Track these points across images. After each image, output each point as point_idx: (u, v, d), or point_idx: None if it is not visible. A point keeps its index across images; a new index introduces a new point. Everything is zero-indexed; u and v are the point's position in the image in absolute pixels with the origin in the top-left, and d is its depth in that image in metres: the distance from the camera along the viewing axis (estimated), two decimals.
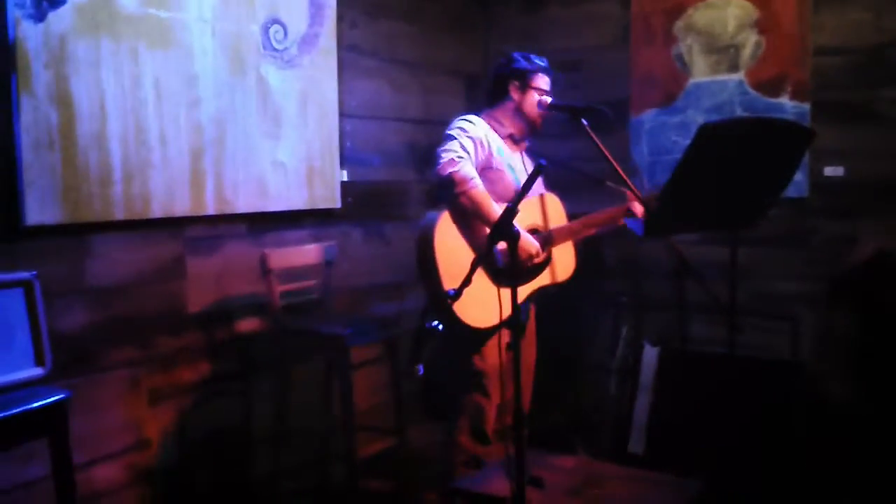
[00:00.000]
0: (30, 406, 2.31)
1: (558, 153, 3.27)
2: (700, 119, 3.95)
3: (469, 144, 2.81)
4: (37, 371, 2.44)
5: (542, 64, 3.04)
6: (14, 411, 2.26)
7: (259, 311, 3.44)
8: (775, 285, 3.87)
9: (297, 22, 3.55)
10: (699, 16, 4.00)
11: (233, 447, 3.44)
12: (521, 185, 2.89)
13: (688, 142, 2.18)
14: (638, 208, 2.92)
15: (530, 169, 3.07)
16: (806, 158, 3.71)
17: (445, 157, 2.73)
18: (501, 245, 2.71)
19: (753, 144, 2.31)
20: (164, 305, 3.14)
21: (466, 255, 2.74)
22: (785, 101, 3.81)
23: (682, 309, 3.64)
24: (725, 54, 3.95)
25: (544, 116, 3.03)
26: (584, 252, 3.23)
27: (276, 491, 3.38)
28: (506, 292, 2.74)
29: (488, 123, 2.99)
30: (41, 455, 2.54)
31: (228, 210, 3.29)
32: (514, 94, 3.00)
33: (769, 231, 3.72)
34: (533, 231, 2.95)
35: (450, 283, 2.64)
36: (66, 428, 2.42)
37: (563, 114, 2.90)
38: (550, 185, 3.24)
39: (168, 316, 3.15)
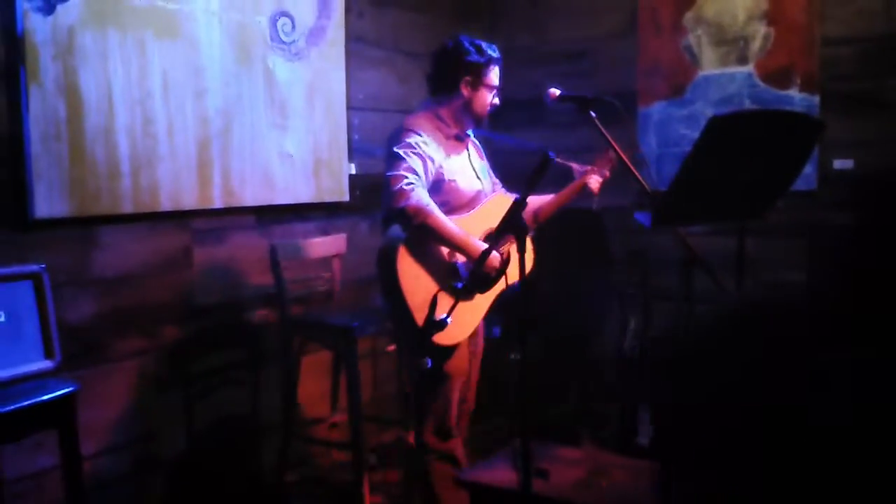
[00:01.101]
0: (39, 398, 2.33)
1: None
2: (709, 111, 3.93)
3: (418, 164, 2.64)
4: (46, 363, 2.45)
5: (495, 54, 2.83)
6: (24, 403, 2.28)
7: (267, 302, 3.45)
8: (784, 276, 3.85)
9: (305, 14, 3.54)
10: (708, 7, 3.97)
11: (240, 437, 3.45)
12: (479, 179, 2.90)
13: (696, 134, 2.17)
14: (594, 183, 2.88)
15: (477, 154, 3.00)
16: (816, 151, 3.69)
17: (395, 186, 2.57)
18: (461, 258, 2.70)
19: (763, 136, 2.30)
20: (172, 297, 3.15)
21: (430, 278, 2.67)
22: (794, 93, 3.79)
23: (690, 301, 3.62)
24: (734, 46, 3.93)
25: (491, 111, 2.88)
26: (591, 244, 3.21)
27: (283, 481, 3.39)
28: (480, 299, 2.77)
29: (433, 124, 2.81)
30: (50, 445, 2.56)
31: (236, 202, 3.30)
32: (465, 91, 2.80)
33: (778, 223, 3.71)
34: (487, 237, 2.81)
35: (416, 307, 2.60)
36: (74, 419, 2.44)
37: (569, 105, 2.85)
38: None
39: (176, 307, 3.16)
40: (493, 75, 2.84)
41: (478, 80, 2.80)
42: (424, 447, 2.84)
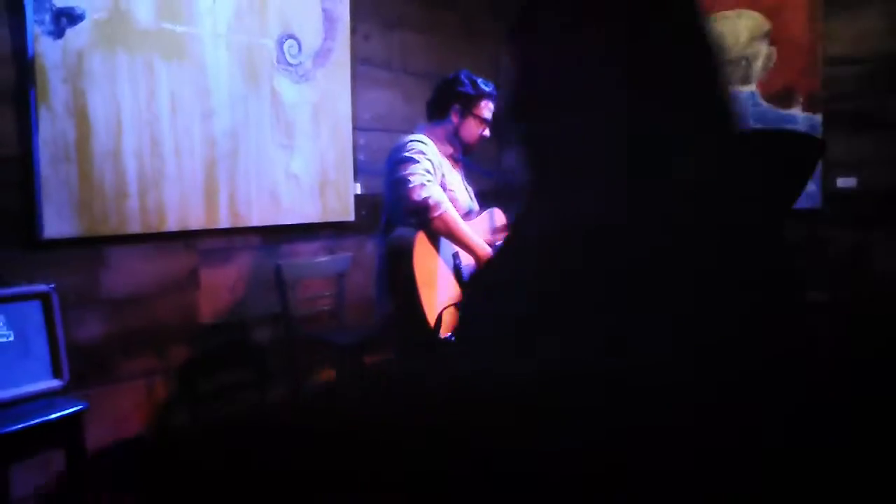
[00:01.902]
0: (47, 417, 2.35)
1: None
2: None
3: (429, 166, 2.75)
4: (54, 382, 2.48)
5: (487, 90, 2.99)
6: (32, 422, 2.30)
7: (273, 321, 3.47)
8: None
9: (311, 37, 3.59)
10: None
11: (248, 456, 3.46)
12: (471, 198, 2.97)
13: None
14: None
15: (467, 187, 3.09)
16: (819, 169, 3.71)
17: (414, 181, 2.64)
18: (468, 260, 2.75)
19: (764, 157, 2.32)
20: (179, 316, 3.17)
21: (442, 274, 2.73)
22: (797, 112, 3.81)
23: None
24: (737, 66, 3.95)
25: (481, 142, 3.02)
26: None
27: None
28: None
29: (434, 141, 2.92)
30: (58, 464, 2.58)
31: (242, 222, 3.33)
32: (454, 118, 2.96)
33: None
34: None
35: (426, 301, 2.62)
36: (82, 438, 2.46)
37: None
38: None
39: (183, 327, 3.18)
40: (484, 109, 2.98)
41: (467, 110, 2.95)
42: None
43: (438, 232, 2.68)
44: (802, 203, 3.63)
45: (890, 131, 3.65)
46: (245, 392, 3.44)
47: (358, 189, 3.89)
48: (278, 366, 3.49)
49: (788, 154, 2.39)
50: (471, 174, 3.23)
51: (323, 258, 3.59)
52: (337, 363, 3.38)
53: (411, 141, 2.81)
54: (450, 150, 2.99)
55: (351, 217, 3.84)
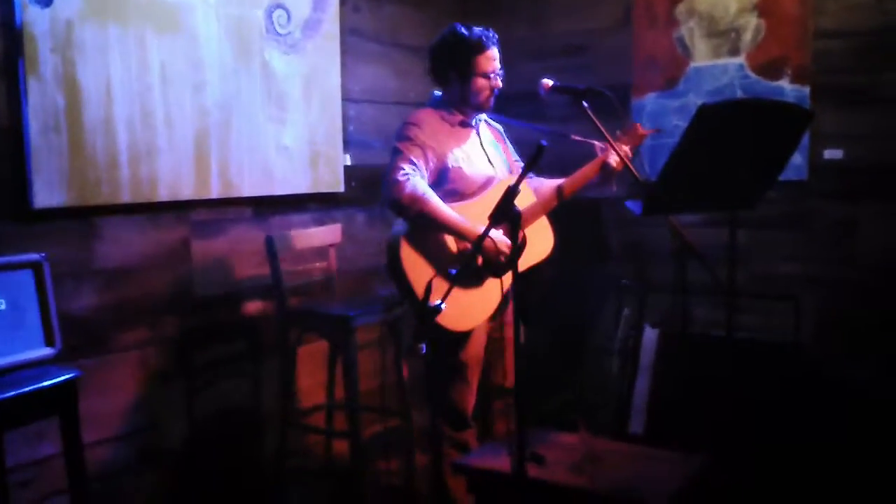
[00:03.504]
0: (41, 384, 2.36)
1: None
2: (701, 102, 3.95)
3: (417, 153, 2.71)
4: (47, 351, 2.49)
5: (483, 40, 2.80)
6: (26, 389, 2.31)
7: (265, 293, 3.48)
8: (777, 267, 3.89)
9: (301, 6, 3.58)
10: None
11: (241, 428, 3.49)
12: (491, 164, 2.91)
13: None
14: (613, 159, 2.82)
15: (493, 137, 3.03)
16: (806, 141, 3.73)
17: (391, 178, 2.64)
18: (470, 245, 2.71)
19: (752, 126, 2.34)
20: (172, 288, 3.18)
21: (435, 264, 2.71)
22: (785, 84, 3.82)
23: (684, 291, 3.67)
24: (726, 38, 3.96)
25: (491, 96, 2.87)
26: (588, 235, 3.23)
27: (282, 471, 3.43)
28: (493, 284, 2.79)
29: (438, 115, 2.87)
30: (52, 434, 2.60)
31: (234, 193, 3.33)
32: (455, 83, 2.85)
33: (770, 213, 3.75)
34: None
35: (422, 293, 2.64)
36: (76, 406, 2.48)
37: (564, 96, 2.88)
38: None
39: (175, 298, 3.19)
40: (484, 61, 2.82)
41: (466, 69, 2.82)
42: (438, 433, 2.88)
43: (423, 224, 2.67)
44: (789, 174, 3.66)
45: (878, 105, 3.67)
46: (238, 363, 3.47)
47: (348, 160, 3.89)
48: (270, 337, 3.51)
49: (777, 122, 2.42)
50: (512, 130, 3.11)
51: (314, 229, 3.61)
52: (329, 334, 3.40)
53: (406, 124, 2.79)
54: (459, 117, 2.90)
55: (341, 188, 3.85)
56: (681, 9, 4.06)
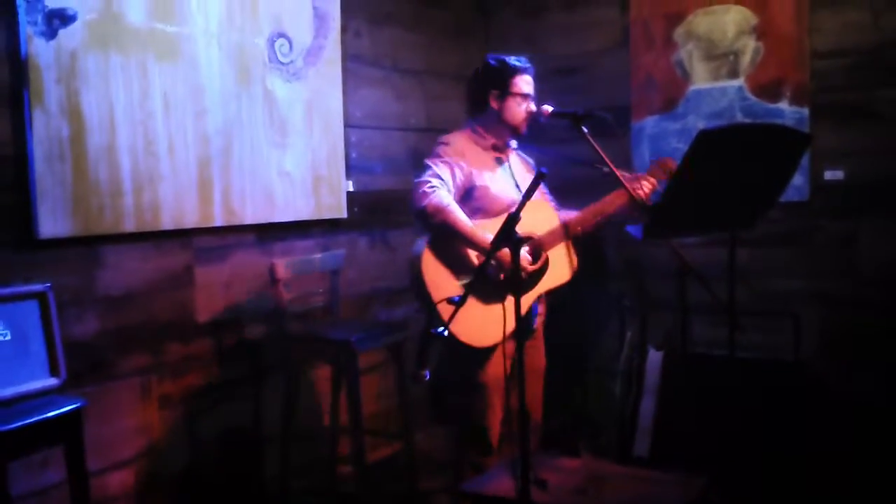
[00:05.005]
0: (45, 415, 2.37)
1: (545, 154, 3.19)
2: (701, 125, 3.98)
3: (444, 170, 2.82)
4: (52, 381, 2.49)
5: (520, 64, 2.94)
6: (31, 420, 2.32)
7: (268, 318, 3.49)
8: (778, 285, 3.90)
9: (302, 35, 3.61)
10: (699, 22, 4.04)
11: (242, 452, 3.49)
12: (519, 189, 2.95)
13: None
14: (643, 190, 2.82)
15: (523, 168, 3.08)
16: (807, 162, 3.75)
17: (419, 188, 2.77)
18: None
19: (751, 149, 2.35)
20: (175, 314, 3.19)
21: (455, 275, 2.79)
22: (784, 105, 3.84)
23: (685, 311, 3.67)
24: (725, 60, 3.99)
25: (528, 121, 2.96)
26: (588, 255, 3.24)
27: (285, 497, 3.42)
28: (509, 303, 2.80)
29: (471, 138, 2.96)
30: (56, 462, 2.60)
31: (236, 220, 3.35)
32: (494, 104, 2.93)
33: (772, 233, 3.77)
34: (525, 239, 2.90)
35: (444, 308, 2.66)
36: (80, 435, 2.48)
37: (564, 120, 2.90)
38: (550, 188, 3.22)
39: (178, 324, 3.20)
40: (522, 83, 2.93)
41: (504, 91, 2.92)
42: (462, 458, 2.89)
43: (444, 234, 2.77)
44: (790, 195, 3.67)
45: (876, 122, 3.69)
46: (240, 389, 3.47)
47: (350, 186, 3.91)
48: (273, 362, 3.52)
49: (776, 146, 2.43)
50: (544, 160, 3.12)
51: (317, 255, 3.62)
52: (332, 359, 3.40)
53: (437, 144, 2.92)
54: (492, 141, 2.97)
55: (344, 214, 3.86)
56: (679, 32, 4.09)
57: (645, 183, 2.86)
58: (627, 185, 2.75)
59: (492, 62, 2.96)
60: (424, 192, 2.75)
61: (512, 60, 2.94)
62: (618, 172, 2.71)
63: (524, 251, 2.85)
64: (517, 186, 2.98)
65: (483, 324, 2.72)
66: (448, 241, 2.79)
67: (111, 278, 2.97)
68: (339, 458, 3.62)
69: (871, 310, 3.70)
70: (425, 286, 2.74)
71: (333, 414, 3.61)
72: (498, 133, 2.98)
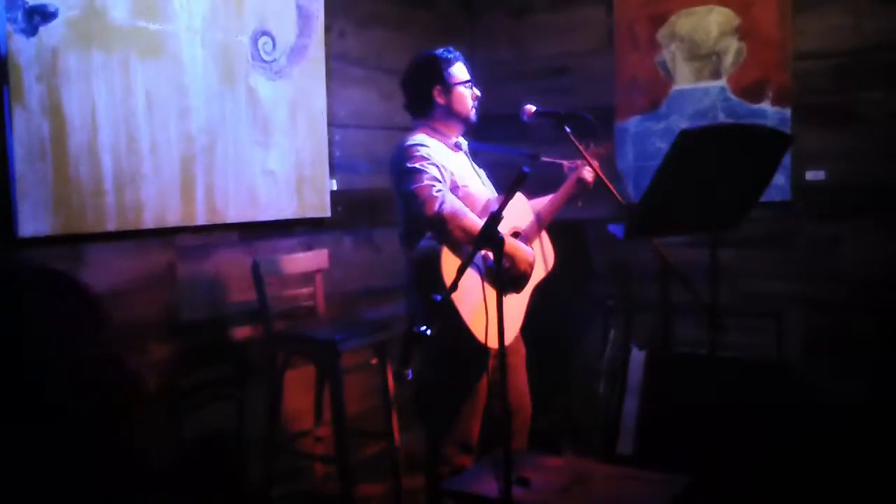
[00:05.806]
0: None
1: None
2: (683, 125, 4.01)
3: (436, 173, 2.69)
4: None
5: (451, 54, 2.89)
6: None
7: (251, 317, 3.48)
8: (760, 285, 3.93)
9: (286, 33, 3.60)
10: (682, 23, 4.06)
11: (227, 452, 3.47)
12: (485, 186, 2.95)
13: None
14: (587, 174, 2.89)
15: (478, 171, 3.04)
16: (788, 162, 3.78)
17: (424, 194, 2.60)
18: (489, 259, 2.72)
19: (732, 150, 2.37)
20: (158, 313, 3.17)
21: (470, 278, 2.68)
22: (766, 106, 3.87)
23: (668, 311, 3.70)
24: (708, 61, 4.01)
25: (474, 105, 2.91)
26: (573, 256, 3.25)
27: (269, 495, 3.41)
28: (515, 300, 2.82)
29: (434, 137, 2.86)
30: None
31: (219, 219, 3.33)
32: (440, 99, 2.86)
33: (754, 233, 3.79)
34: (515, 234, 2.89)
35: (465, 310, 2.62)
36: None
37: (547, 120, 2.91)
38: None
39: (162, 324, 3.19)
40: (459, 71, 2.88)
41: (446, 83, 2.86)
42: (439, 457, 2.86)
43: (460, 240, 2.62)
44: (772, 195, 3.70)
45: (858, 124, 3.72)
46: (224, 388, 3.46)
47: (334, 185, 3.91)
48: (257, 362, 3.51)
49: (757, 146, 2.44)
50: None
51: (300, 254, 3.61)
52: (316, 358, 3.40)
53: (411, 146, 2.74)
54: (452, 136, 2.92)
55: (327, 213, 3.86)
56: (663, 33, 4.11)
57: (588, 169, 2.90)
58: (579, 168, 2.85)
59: (423, 59, 2.90)
60: (433, 196, 2.59)
61: (441, 52, 2.89)
62: (598, 171, 2.73)
63: (523, 244, 2.81)
64: (482, 183, 2.95)
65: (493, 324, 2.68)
66: (459, 247, 2.66)
67: (93, 277, 2.94)
68: (323, 458, 3.62)
69: (852, 310, 3.73)
70: (441, 279, 2.61)
71: (317, 413, 3.61)
72: (451, 127, 2.91)
